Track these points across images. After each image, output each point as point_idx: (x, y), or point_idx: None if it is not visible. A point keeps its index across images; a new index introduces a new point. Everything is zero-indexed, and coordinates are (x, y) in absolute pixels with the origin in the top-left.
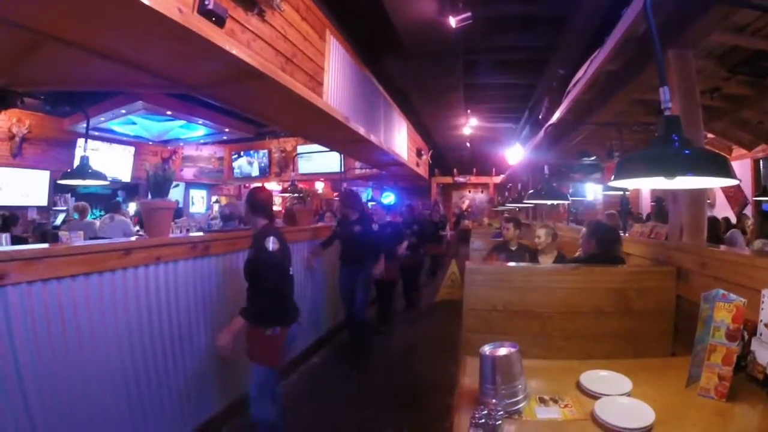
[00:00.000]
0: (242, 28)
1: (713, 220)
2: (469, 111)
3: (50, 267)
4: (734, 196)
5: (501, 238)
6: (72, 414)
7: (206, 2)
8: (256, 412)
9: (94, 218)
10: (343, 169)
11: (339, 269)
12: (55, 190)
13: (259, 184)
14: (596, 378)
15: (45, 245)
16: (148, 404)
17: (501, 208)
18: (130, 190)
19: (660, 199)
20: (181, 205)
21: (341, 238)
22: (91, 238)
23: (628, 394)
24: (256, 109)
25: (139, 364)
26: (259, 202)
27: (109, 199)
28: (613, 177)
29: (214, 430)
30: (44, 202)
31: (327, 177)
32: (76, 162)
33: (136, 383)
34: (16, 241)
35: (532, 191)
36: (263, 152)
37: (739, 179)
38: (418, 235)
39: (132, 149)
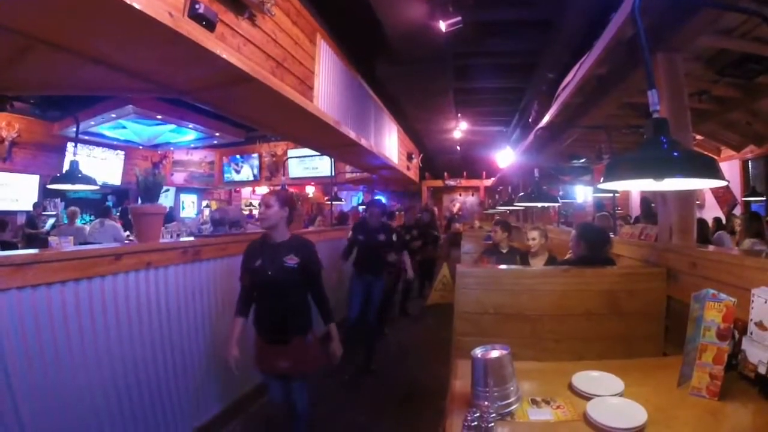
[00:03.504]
0: (233, 32)
1: (701, 222)
2: (459, 115)
3: (40, 273)
4: (723, 196)
5: (491, 241)
6: (63, 420)
7: (197, 6)
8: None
9: (83, 223)
10: (333, 173)
11: (353, 278)
12: (45, 194)
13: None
14: (588, 379)
15: (35, 251)
16: (140, 409)
17: (492, 211)
18: (121, 194)
19: (647, 200)
20: (171, 209)
21: (362, 246)
22: (81, 243)
23: (620, 395)
24: (247, 113)
25: (131, 370)
26: (293, 207)
27: (99, 203)
28: (602, 179)
29: None
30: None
31: (317, 181)
32: (66, 166)
33: (128, 389)
34: (5, 246)
35: (522, 194)
36: (254, 156)
37: (727, 180)
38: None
39: (122, 153)
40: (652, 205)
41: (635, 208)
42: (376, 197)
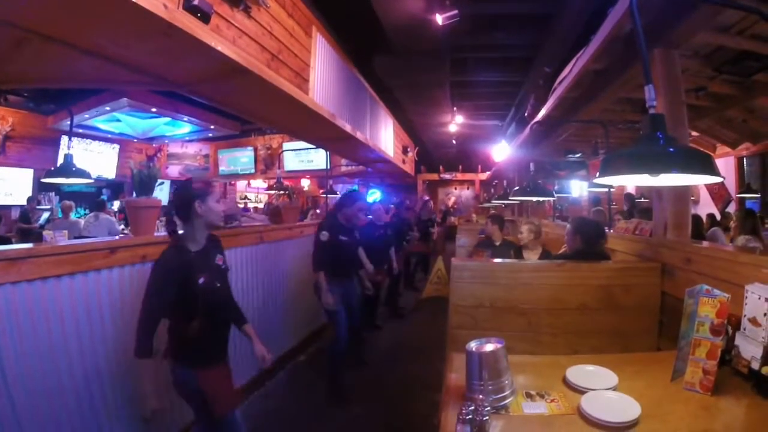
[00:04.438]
0: (228, 24)
1: (695, 218)
2: (455, 108)
3: (35, 267)
4: (718, 193)
5: (485, 235)
6: (58, 414)
7: None
8: None
9: (78, 217)
10: (329, 166)
11: (335, 288)
12: (39, 188)
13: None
14: (582, 373)
15: (29, 245)
16: (137, 403)
17: (487, 204)
18: (115, 188)
19: (630, 195)
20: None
21: (339, 248)
22: (75, 237)
23: (614, 389)
24: (242, 106)
25: (125, 365)
26: None
27: (93, 197)
28: (598, 174)
29: None
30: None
31: (313, 174)
32: (60, 160)
33: (122, 383)
34: None
35: (517, 188)
36: (249, 149)
37: (723, 176)
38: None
39: (117, 147)
40: (637, 200)
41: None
42: (353, 189)
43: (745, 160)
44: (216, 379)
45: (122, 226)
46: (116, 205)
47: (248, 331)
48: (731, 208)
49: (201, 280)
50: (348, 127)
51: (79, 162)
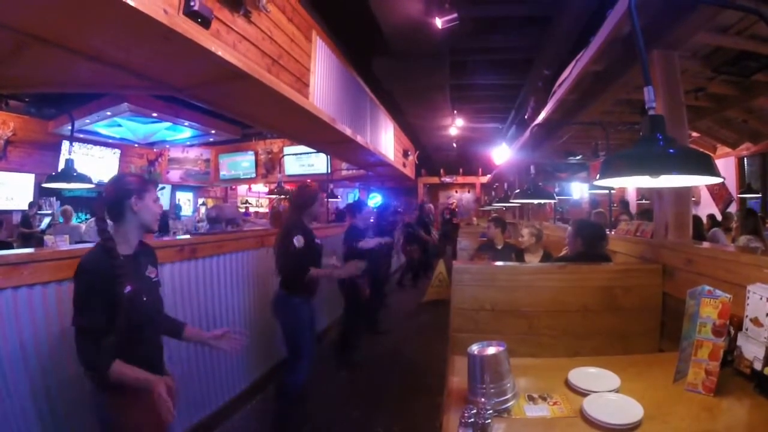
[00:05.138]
0: (228, 29)
1: (696, 219)
2: (455, 111)
3: (36, 272)
4: (719, 193)
5: (486, 238)
6: (61, 418)
7: (192, 3)
8: None
9: (79, 222)
10: (329, 170)
11: (302, 306)
12: (40, 193)
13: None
14: (584, 375)
15: (30, 250)
16: None
17: (488, 207)
18: None
19: (623, 199)
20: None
21: (316, 254)
22: (76, 242)
23: (617, 391)
24: (242, 110)
25: None
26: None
27: (94, 202)
28: (598, 176)
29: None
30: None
31: (314, 178)
32: (61, 165)
33: None
34: (0, 246)
35: (518, 191)
36: (250, 153)
37: (723, 177)
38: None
39: (117, 152)
40: (638, 201)
41: (632, 205)
42: (305, 184)
43: (745, 160)
44: (128, 409)
45: None
46: None
47: (191, 333)
48: (732, 209)
49: (127, 289)
50: (348, 131)
51: (80, 167)
